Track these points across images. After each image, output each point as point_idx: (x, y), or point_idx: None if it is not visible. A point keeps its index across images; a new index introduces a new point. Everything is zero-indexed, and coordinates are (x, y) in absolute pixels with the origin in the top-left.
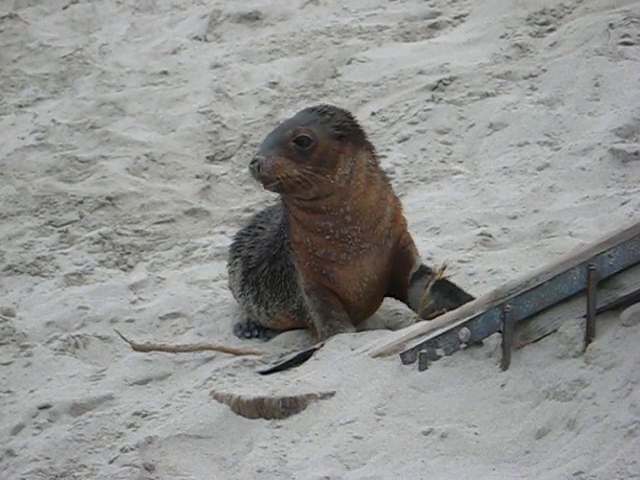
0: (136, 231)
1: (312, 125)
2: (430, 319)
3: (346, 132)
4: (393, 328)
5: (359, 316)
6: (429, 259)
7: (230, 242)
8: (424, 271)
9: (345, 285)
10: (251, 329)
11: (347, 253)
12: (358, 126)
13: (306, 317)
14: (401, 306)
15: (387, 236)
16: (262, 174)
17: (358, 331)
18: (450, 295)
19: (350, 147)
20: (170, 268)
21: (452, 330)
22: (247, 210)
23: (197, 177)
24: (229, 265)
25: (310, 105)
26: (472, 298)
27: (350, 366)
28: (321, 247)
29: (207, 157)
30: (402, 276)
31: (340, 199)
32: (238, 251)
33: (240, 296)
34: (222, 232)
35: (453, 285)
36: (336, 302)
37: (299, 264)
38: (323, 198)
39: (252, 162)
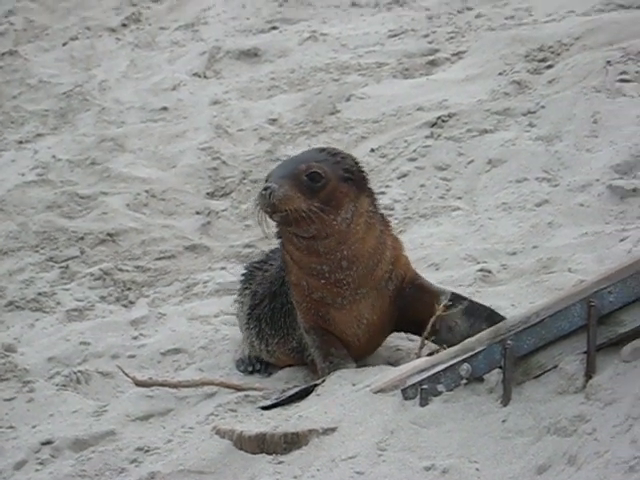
0: (137, 267)
1: (323, 163)
2: (431, 355)
3: (353, 176)
4: (394, 364)
5: (359, 354)
6: None
7: (242, 272)
8: (459, 297)
9: (342, 327)
10: (253, 364)
11: (343, 298)
12: (363, 172)
13: (306, 354)
14: (402, 342)
15: (387, 279)
16: (272, 201)
17: (359, 367)
18: (488, 319)
19: (354, 191)
20: (171, 304)
21: (453, 366)
22: (247, 246)
23: (197, 213)
24: (239, 295)
25: (311, 142)
26: (504, 318)
27: (351, 401)
28: (317, 290)
29: (207, 193)
30: (420, 310)
31: (338, 243)
32: (249, 283)
33: (245, 329)
34: (222, 268)
35: (488, 308)
36: (335, 340)
37: (297, 304)
38: (322, 239)
39: (265, 189)
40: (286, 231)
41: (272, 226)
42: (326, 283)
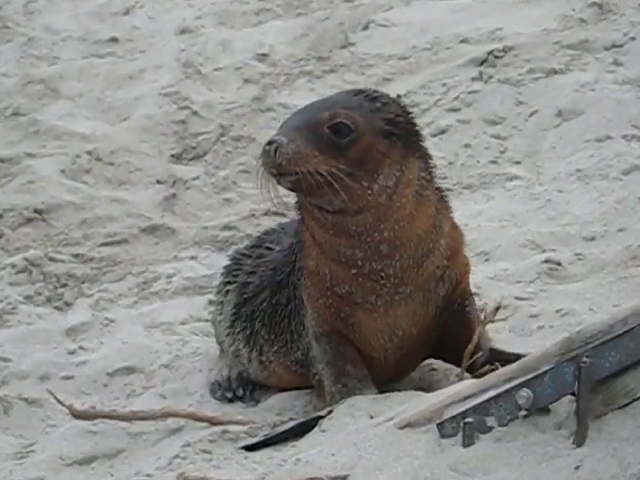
0: (75, 256)
1: (356, 112)
2: (479, 377)
3: (399, 130)
4: (427, 389)
5: (384, 378)
6: (475, 295)
7: (226, 263)
8: (495, 358)
9: (369, 337)
10: (234, 389)
11: (378, 296)
12: (415, 125)
13: (312, 372)
14: (438, 360)
15: (438, 279)
16: (278, 161)
17: (380, 392)
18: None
19: (400, 151)
20: (122, 306)
21: (508, 392)
22: (226, 227)
23: (158, 182)
24: (217, 293)
25: (314, 86)
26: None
27: (368, 440)
28: (343, 282)
29: (172, 155)
30: (454, 341)
31: (375, 219)
32: (233, 276)
33: (228, 335)
34: (192, 257)
35: (503, 352)
36: (353, 355)
37: (310, 299)
38: (353, 214)
39: (269, 142)
40: (306, 201)
41: (288, 195)
42: (357, 274)
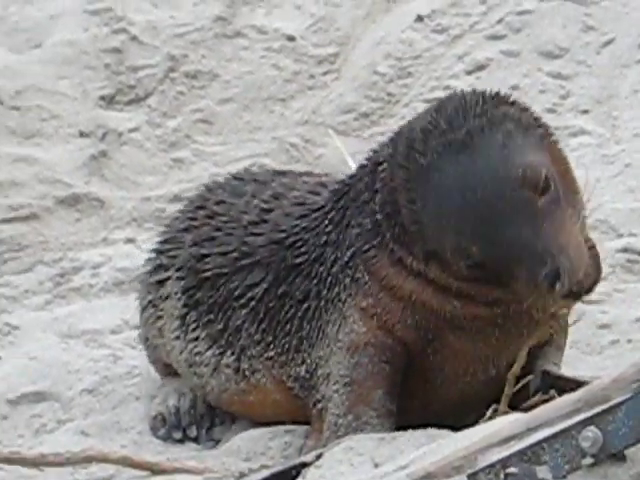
0: None
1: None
2: (527, 410)
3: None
4: (454, 426)
5: (433, 418)
6: None
7: (156, 241)
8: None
9: (455, 361)
10: (184, 425)
11: (488, 323)
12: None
13: (314, 396)
14: None
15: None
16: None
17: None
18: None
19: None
20: (29, 308)
21: (568, 432)
22: (177, 199)
23: (82, 135)
24: (148, 285)
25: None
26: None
27: None
28: (455, 308)
29: (101, 98)
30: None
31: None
32: (176, 248)
33: (176, 339)
34: (129, 240)
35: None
36: (394, 378)
37: (374, 300)
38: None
39: (554, 277)
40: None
41: None
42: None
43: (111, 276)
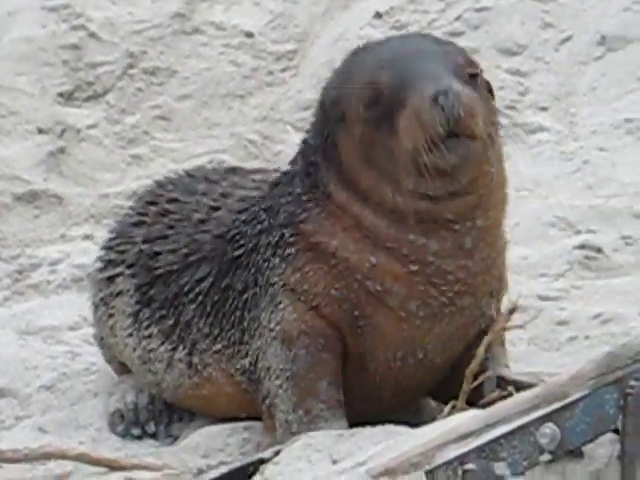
0: None
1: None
2: (484, 407)
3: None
4: (412, 423)
5: (372, 408)
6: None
7: (106, 237)
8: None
9: (382, 348)
10: (142, 422)
11: (425, 304)
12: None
13: (260, 391)
14: None
15: (489, 295)
16: (461, 115)
17: (351, 426)
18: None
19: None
20: None
21: (525, 428)
22: (135, 195)
23: (40, 132)
24: (98, 280)
25: None
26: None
27: None
28: (385, 278)
29: (60, 94)
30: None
31: (477, 204)
32: (126, 243)
33: (129, 336)
34: (87, 237)
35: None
36: (336, 368)
37: (302, 282)
38: (460, 197)
39: (441, 92)
40: (407, 180)
41: None
42: (417, 272)
43: (69, 273)
